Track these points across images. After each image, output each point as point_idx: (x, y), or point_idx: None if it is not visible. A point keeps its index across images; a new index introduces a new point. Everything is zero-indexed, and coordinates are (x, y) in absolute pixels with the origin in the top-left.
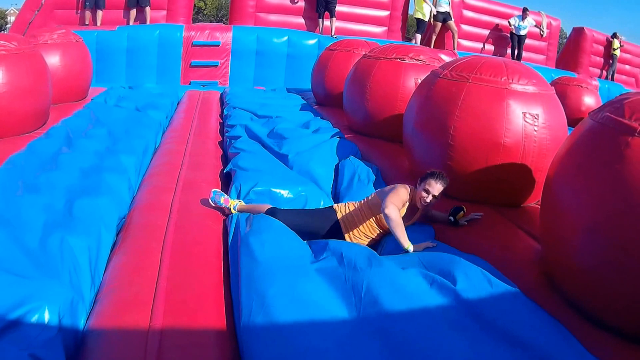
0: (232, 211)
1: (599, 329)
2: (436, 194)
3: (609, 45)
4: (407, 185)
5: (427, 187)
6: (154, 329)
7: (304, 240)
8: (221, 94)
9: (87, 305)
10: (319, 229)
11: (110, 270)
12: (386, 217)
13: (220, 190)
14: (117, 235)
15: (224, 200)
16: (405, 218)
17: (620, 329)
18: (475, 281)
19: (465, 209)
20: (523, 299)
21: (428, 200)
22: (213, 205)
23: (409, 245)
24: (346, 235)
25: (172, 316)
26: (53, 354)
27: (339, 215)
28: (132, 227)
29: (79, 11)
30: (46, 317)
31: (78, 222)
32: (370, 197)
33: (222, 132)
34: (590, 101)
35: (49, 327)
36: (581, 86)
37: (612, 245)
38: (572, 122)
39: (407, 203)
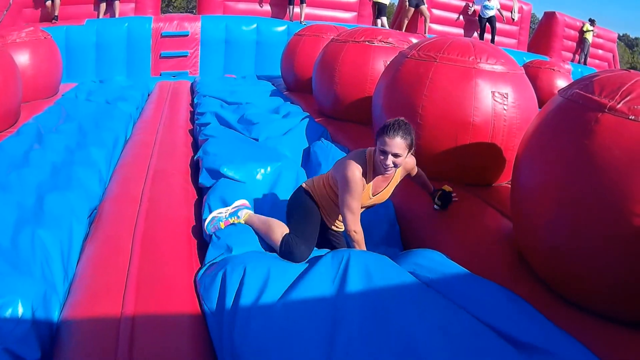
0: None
1: (570, 306)
2: (396, 151)
3: (581, 29)
4: (357, 158)
5: (382, 147)
6: (126, 317)
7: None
8: (192, 84)
9: (60, 297)
10: (316, 217)
11: (82, 262)
12: (349, 238)
13: (215, 215)
14: (89, 227)
15: (223, 224)
16: (370, 199)
17: (591, 306)
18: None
19: (451, 192)
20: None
21: (388, 163)
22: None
23: None
24: (324, 219)
25: (144, 304)
26: (27, 348)
27: (315, 197)
28: (103, 218)
29: (95, 5)
30: (19, 311)
31: (49, 216)
32: (329, 175)
33: (192, 121)
34: (562, 84)
35: (22, 321)
36: (553, 69)
37: (581, 221)
38: (543, 105)
39: (367, 182)
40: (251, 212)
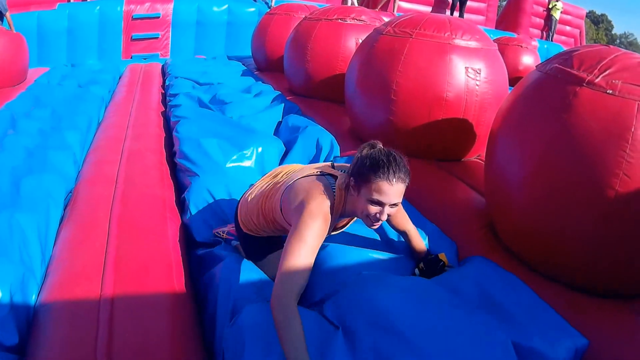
0: None
1: (544, 279)
2: (397, 200)
3: (548, 6)
4: (324, 193)
5: (376, 197)
6: (105, 299)
7: None
8: (163, 66)
9: (38, 280)
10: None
11: (59, 244)
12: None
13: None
14: (65, 209)
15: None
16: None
17: (567, 279)
18: None
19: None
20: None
21: (384, 218)
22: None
23: None
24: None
25: (123, 286)
26: (5, 332)
27: (255, 233)
28: (79, 201)
29: None
30: None
31: (25, 200)
32: (269, 194)
33: (164, 103)
34: (529, 60)
35: (1, 306)
36: (520, 46)
37: (558, 194)
38: (511, 81)
39: (331, 220)
40: None
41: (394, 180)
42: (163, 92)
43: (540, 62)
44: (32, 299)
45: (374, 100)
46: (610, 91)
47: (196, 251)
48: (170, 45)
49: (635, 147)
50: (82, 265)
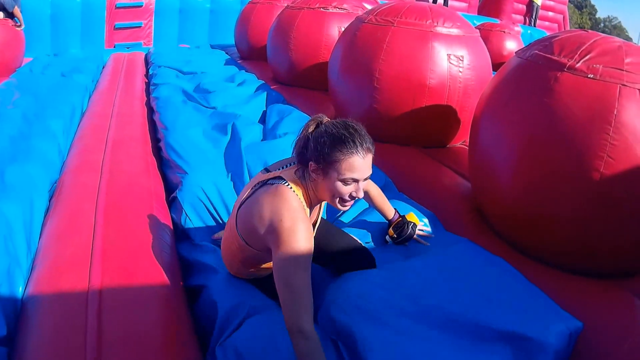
0: None
1: (534, 262)
2: (368, 174)
3: None
4: (288, 198)
5: (350, 174)
6: (93, 289)
7: None
8: (146, 55)
9: (24, 271)
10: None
11: (45, 235)
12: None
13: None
14: (50, 199)
15: None
16: None
17: (557, 261)
18: None
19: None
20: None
21: (358, 195)
22: None
23: None
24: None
25: (111, 275)
26: None
27: (245, 276)
28: (64, 190)
29: None
30: None
31: (10, 190)
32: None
33: (148, 92)
34: (512, 46)
35: None
36: (504, 32)
37: (541, 178)
38: (495, 66)
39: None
40: None
41: (363, 152)
42: (147, 81)
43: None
44: (19, 290)
45: (358, 88)
46: (592, 75)
47: (186, 248)
48: (153, 34)
49: (618, 129)
50: (69, 256)
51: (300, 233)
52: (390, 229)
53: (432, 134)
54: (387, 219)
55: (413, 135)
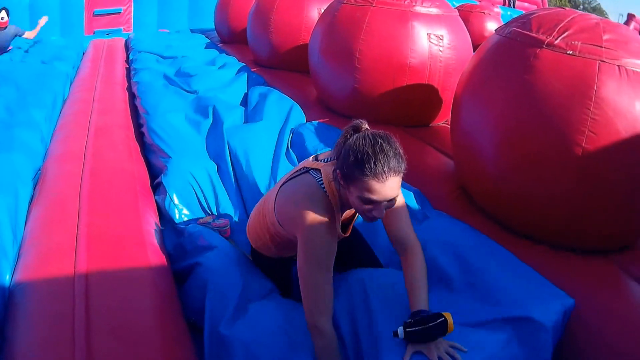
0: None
1: (519, 238)
2: (392, 195)
3: None
4: (315, 200)
5: (367, 194)
6: (80, 275)
7: None
8: (126, 41)
9: (10, 261)
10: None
11: (30, 223)
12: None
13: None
14: (34, 188)
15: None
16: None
17: (545, 238)
18: None
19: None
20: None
21: (379, 215)
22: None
23: None
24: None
25: (97, 261)
26: None
27: (267, 253)
28: (48, 178)
29: None
30: None
31: None
32: (269, 221)
33: (129, 78)
34: (493, 27)
35: None
36: (483, 13)
37: (524, 154)
38: (475, 47)
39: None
40: None
41: (384, 176)
42: (127, 67)
43: None
44: (6, 279)
45: (339, 70)
46: (571, 52)
47: (171, 232)
48: (132, 20)
49: (598, 104)
50: (54, 244)
51: (317, 235)
52: (411, 319)
53: (414, 113)
54: (411, 308)
55: (395, 115)
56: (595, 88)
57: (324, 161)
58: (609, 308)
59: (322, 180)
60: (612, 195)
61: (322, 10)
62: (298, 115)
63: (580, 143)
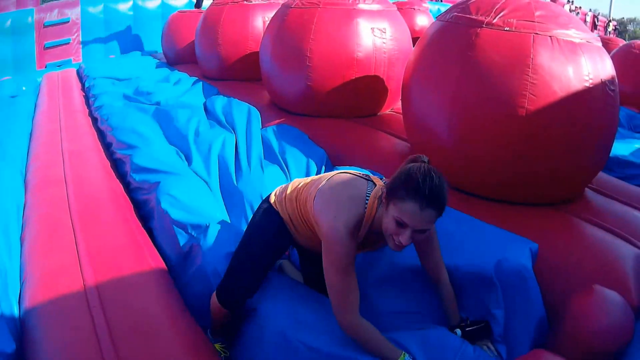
0: None
1: (478, 199)
2: (425, 226)
3: None
4: (352, 209)
5: (401, 217)
6: (90, 287)
7: None
8: (77, 70)
9: (15, 290)
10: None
11: (27, 252)
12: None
13: None
14: (23, 218)
15: None
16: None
17: (496, 195)
18: None
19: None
20: None
21: (404, 242)
22: None
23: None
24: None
25: (103, 274)
26: (4, 340)
27: (282, 214)
28: (35, 206)
29: None
30: None
31: None
32: (311, 208)
33: (88, 104)
34: (423, 21)
35: None
36: (413, 8)
37: (473, 123)
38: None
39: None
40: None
41: (425, 202)
42: (84, 94)
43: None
44: (15, 308)
45: (291, 71)
46: (507, 28)
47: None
48: (81, 49)
49: (536, 70)
50: (58, 265)
51: (339, 243)
52: (465, 326)
53: (364, 104)
54: (453, 322)
55: (346, 107)
56: (531, 57)
57: (380, 178)
58: (566, 249)
59: (370, 194)
60: (555, 150)
61: (267, 18)
62: (256, 117)
63: (523, 105)
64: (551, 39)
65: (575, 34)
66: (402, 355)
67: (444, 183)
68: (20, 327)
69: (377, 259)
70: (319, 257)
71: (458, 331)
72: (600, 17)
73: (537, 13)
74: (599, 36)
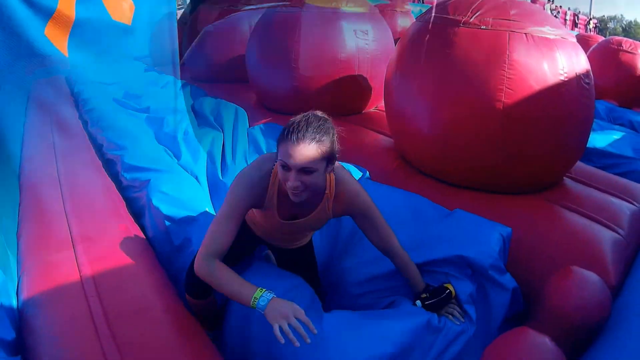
0: None
1: (459, 188)
2: (306, 163)
3: None
4: (265, 160)
5: (282, 158)
6: (86, 277)
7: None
8: (66, 75)
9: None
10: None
11: (24, 247)
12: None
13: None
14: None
15: None
16: (276, 230)
17: (476, 184)
18: None
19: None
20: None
21: (294, 184)
22: None
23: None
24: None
25: (98, 264)
26: (3, 328)
27: None
28: (30, 204)
29: None
30: None
31: None
32: None
33: (78, 108)
34: (405, 23)
35: None
36: (395, 10)
37: (453, 117)
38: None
39: (266, 197)
40: None
41: (296, 140)
42: (74, 98)
43: None
44: (13, 301)
45: (278, 71)
46: (484, 27)
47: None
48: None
49: (512, 65)
50: (54, 258)
51: (238, 188)
52: (424, 293)
53: (348, 102)
54: (417, 289)
55: (332, 106)
56: (507, 53)
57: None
58: (545, 232)
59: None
60: (532, 140)
61: (253, 24)
62: (243, 117)
63: (501, 98)
64: (526, 35)
65: (550, 31)
66: (257, 291)
67: (322, 121)
68: (19, 317)
69: (352, 244)
70: (284, 251)
71: (418, 302)
72: (580, 16)
73: (512, 12)
74: (580, 34)
